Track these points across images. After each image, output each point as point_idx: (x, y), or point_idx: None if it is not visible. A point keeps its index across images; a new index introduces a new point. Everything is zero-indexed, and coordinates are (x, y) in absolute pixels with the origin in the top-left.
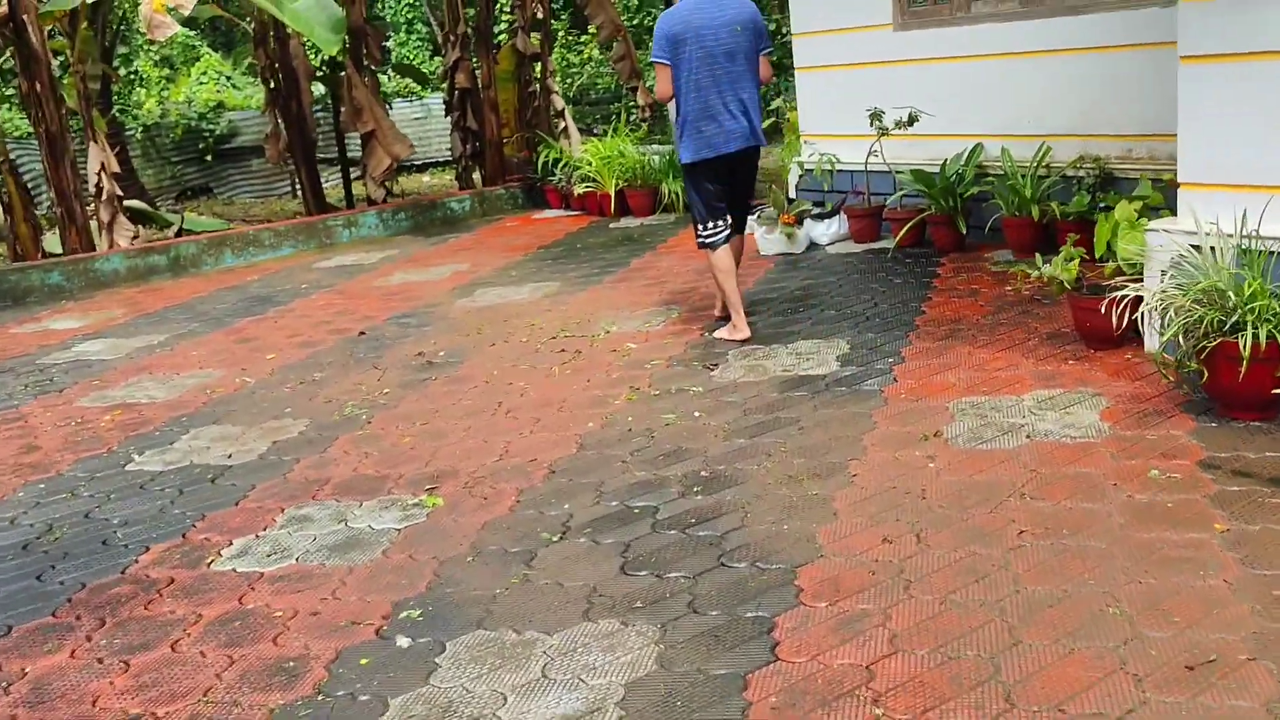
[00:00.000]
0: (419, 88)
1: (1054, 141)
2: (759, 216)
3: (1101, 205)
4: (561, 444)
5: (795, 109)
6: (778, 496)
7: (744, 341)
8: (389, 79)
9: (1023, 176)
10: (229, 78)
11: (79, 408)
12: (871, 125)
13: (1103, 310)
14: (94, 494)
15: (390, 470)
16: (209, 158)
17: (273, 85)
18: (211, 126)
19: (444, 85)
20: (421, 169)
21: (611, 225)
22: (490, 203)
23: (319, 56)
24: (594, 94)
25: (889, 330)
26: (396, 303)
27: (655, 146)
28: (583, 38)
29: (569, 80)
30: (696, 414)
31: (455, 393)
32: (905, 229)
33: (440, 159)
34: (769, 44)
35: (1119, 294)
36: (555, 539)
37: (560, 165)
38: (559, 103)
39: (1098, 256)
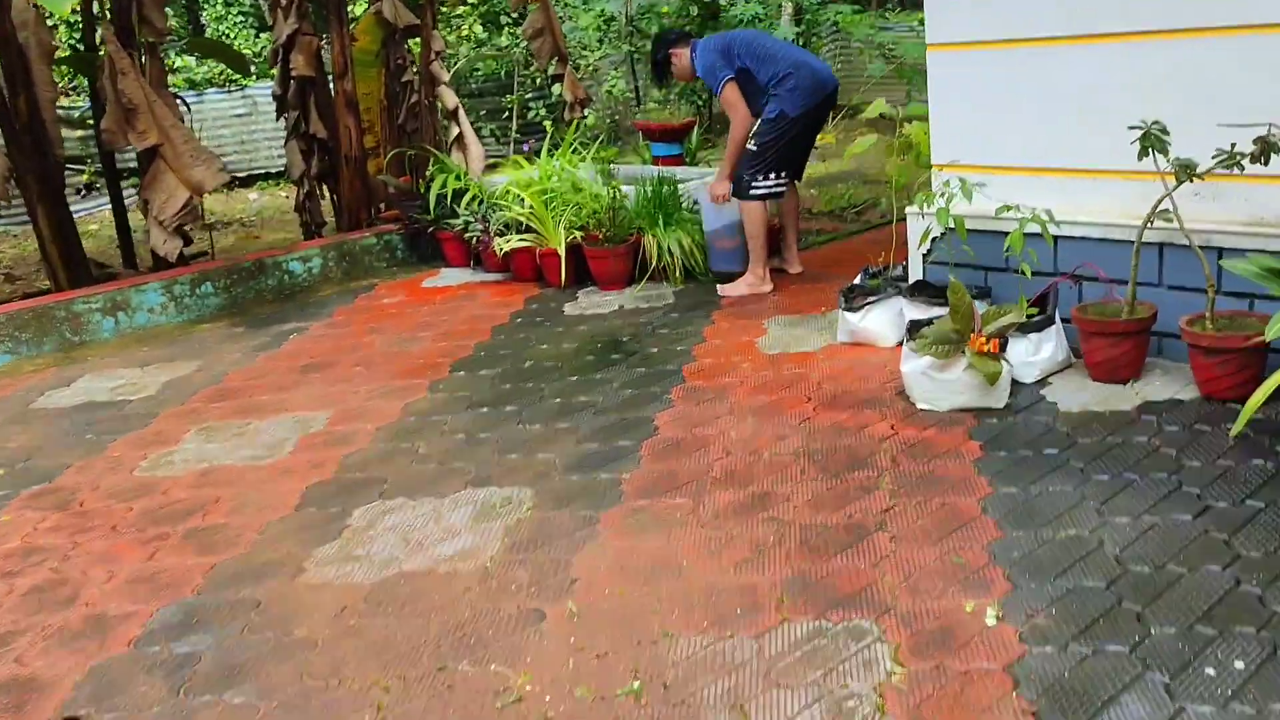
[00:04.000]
0: (240, 76)
1: None
2: (916, 341)
3: None
4: None
5: (923, 119)
6: None
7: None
8: (197, 63)
9: None
10: None
11: None
12: (1144, 156)
13: None
14: None
15: None
16: None
17: None
18: None
19: (273, 72)
20: (247, 183)
21: (567, 308)
22: (354, 259)
23: (71, 32)
24: (473, 83)
25: None
26: (175, 554)
27: (629, 168)
28: (459, 10)
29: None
30: None
31: None
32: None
33: (274, 170)
34: None
35: None
36: None
37: (467, 201)
38: (450, 99)
39: None
